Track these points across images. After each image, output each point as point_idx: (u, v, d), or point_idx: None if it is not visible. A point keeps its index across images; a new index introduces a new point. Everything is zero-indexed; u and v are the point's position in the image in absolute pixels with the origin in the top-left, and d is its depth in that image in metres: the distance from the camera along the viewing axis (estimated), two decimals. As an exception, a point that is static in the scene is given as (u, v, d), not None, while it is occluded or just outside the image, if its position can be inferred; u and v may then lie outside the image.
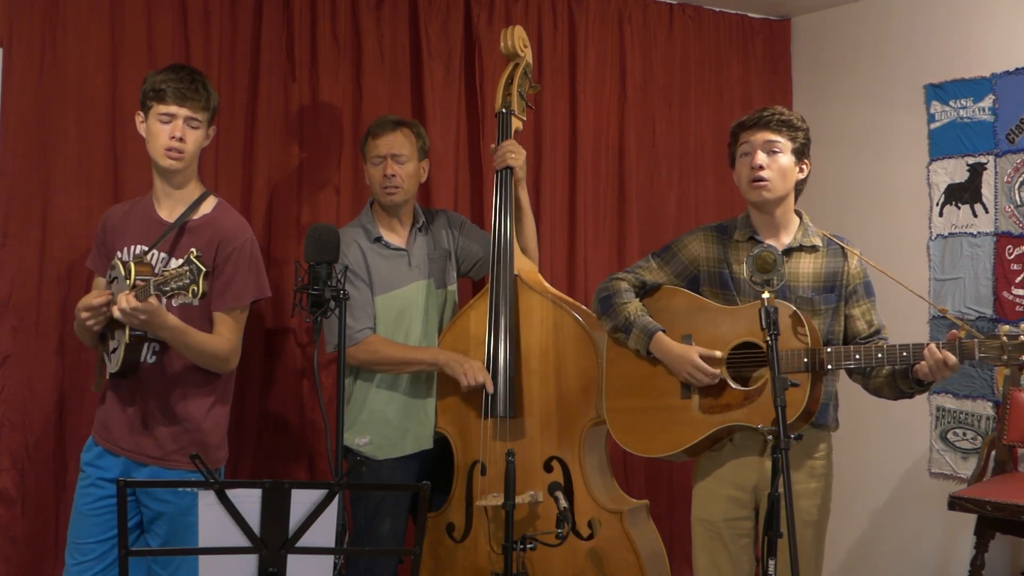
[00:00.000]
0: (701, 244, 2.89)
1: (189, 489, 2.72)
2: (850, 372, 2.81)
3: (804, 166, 2.83)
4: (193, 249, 2.42)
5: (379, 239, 3.28)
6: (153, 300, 2.53)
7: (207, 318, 2.82)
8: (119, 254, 2.84)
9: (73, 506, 2.87)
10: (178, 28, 3.63)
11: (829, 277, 2.79)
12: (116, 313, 2.57)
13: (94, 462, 2.85)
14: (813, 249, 2.81)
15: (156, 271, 2.72)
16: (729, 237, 2.87)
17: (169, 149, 2.79)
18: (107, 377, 2.83)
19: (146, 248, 2.82)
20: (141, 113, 2.86)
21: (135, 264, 2.64)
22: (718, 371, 2.73)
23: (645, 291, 2.94)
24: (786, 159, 2.78)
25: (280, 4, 3.79)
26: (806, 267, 2.79)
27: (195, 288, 2.37)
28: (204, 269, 2.37)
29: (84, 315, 2.69)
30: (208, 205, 2.91)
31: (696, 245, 2.90)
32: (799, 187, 2.85)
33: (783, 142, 2.77)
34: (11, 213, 3.40)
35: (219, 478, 2.82)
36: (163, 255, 2.82)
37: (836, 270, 2.80)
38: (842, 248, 2.83)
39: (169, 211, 2.88)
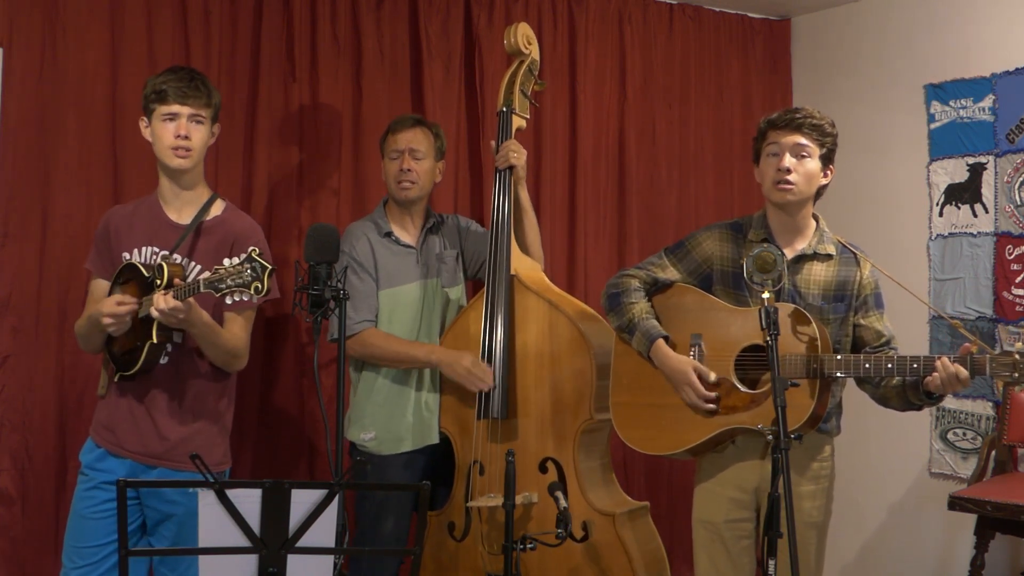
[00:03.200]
0: (716, 242, 2.86)
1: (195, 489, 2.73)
2: (859, 382, 2.80)
3: (829, 172, 2.80)
4: (254, 247, 2.40)
5: (389, 234, 3.30)
6: (191, 299, 2.53)
7: (219, 319, 2.82)
8: (127, 256, 2.83)
9: (72, 509, 2.84)
10: (178, 28, 3.63)
11: (840, 286, 2.77)
12: (154, 313, 2.55)
13: (96, 464, 2.82)
14: (827, 257, 2.78)
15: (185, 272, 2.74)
16: (744, 237, 2.84)
17: (176, 148, 2.78)
18: (114, 380, 2.81)
19: (158, 250, 2.81)
20: (144, 118, 2.85)
21: (167, 265, 2.64)
22: (713, 396, 2.72)
23: (656, 288, 2.92)
24: (813, 164, 2.74)
25: (280, 4, 3.79)
26: (818, 275, 2.77)
27: (258, 285, 2.35)
28: (270, 267, 2.36)
29: (108, 321, 2.65)
30: (218, 207, 2.91)
31: (710, 243, 2.87)
32: (819, 192, 2.81)
33: (812, 146, 2.74)
34: (11, 213, 3.40)
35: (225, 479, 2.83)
36: (177, 257, 2.81)
37: (847, 279, 2.78)
38: (855, 256, 2.80)
39: (178, 212, 2.87)
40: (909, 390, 2.66)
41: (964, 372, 2.49)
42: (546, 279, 3.39)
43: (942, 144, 4.21)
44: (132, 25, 3.56)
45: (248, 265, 2.36)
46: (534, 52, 3.40)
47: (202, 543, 2.01)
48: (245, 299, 2.39)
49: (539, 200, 4.10)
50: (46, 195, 3.44)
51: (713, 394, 2.73)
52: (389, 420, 3.23)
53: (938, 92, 4.22)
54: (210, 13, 3.67)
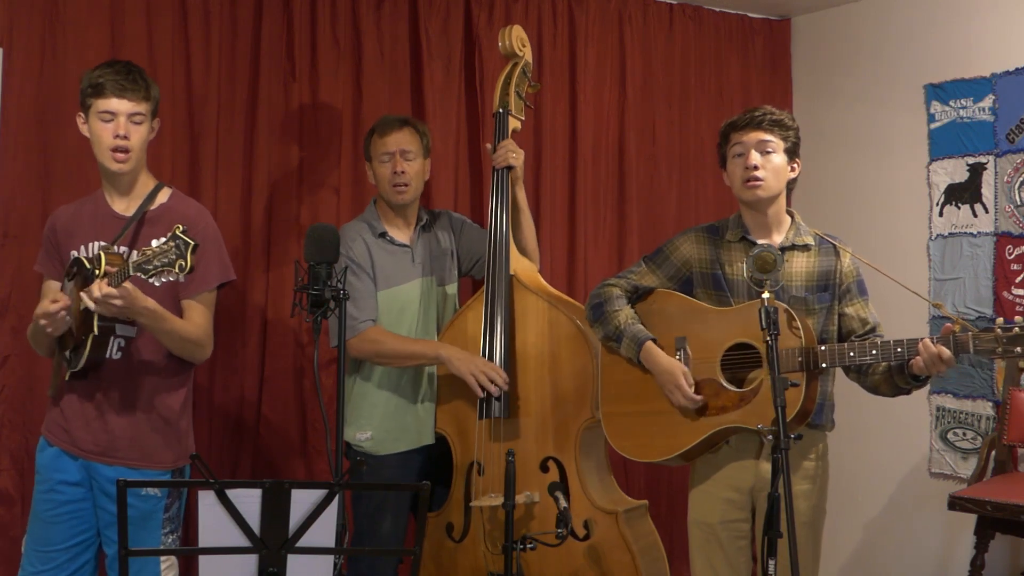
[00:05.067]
0: (692, 245, 2.89)
1: (154, 493, 2.68)
2: (847, 370, 2.81)
3: (795, 165, 2.84)
4: (179, 224, 2.37)
5: (383, 234, 3.28)
6: (128, 284, 2.48)
7: (176, 308, 2.76)
8: (74, 254, 2.76)
9: (32, 511, 2.79)
10: (178, 28, 3.64)
11: (822, 276, 2.79)
12: (89, 304, 2.50)
13: (51, 464, 2.76)
14: (805, 248, 2.81)
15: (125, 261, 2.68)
16: (721, 238, 2.86)
17: (115, 150, 2.71)
18: (66, 379, 2.74)
19: (105, 244, 2.73)
20: (82, 114, 2.79)
21: (105, 254, 2.56)
22: (699, 398, 2.74)
23: (638, 295, 2.94)
24: (779, 158, 2.79)
25: (280, 4, 3.79)
26: (799, 267, 2.79)
27: (182, 263, 2.32)
28: (192, 243, 2.33)
29: (43, 323, 2.60)
30: (164, 195, 2.84)
31: (687, 247, 2.89)
32: (790, 186, 2.85)
33: (776, 141, 2.78)
34: (11, 213, 3.41)
35: (188, 478, 2.80)
36: (124, 249, 2.73)
37: (829, 269, 2.80)
38: (834, 247, 2.83)
39: (125, 205, 2.80)
40: (896, 375, 2.68)
41: (947, 352, 2.50)
42: (543, 280, 3.39)
43: (942, 144, 4.21)
44: (132, 25, 3.56)
45: (172, 243, 2.33)
46: (528, 54, 3.41)
47: (202, 543, 2.00)
48: (172, 279, 2.36)
49: (539, 200, 4.11)
50: (46, 195, 3.44)
51: (699, 397, 2.74)
52: (385, 420, 3.22)
53: (938, 92, 4.22)
54: (210, 13, 3.67)
